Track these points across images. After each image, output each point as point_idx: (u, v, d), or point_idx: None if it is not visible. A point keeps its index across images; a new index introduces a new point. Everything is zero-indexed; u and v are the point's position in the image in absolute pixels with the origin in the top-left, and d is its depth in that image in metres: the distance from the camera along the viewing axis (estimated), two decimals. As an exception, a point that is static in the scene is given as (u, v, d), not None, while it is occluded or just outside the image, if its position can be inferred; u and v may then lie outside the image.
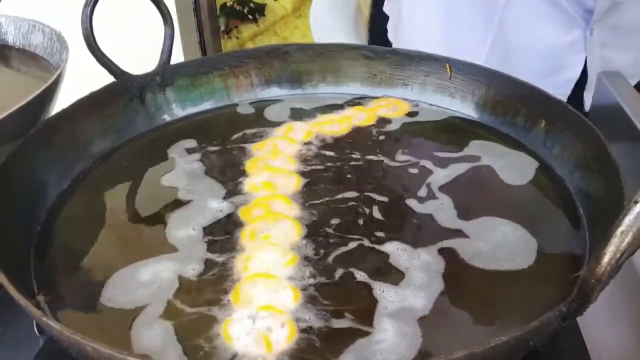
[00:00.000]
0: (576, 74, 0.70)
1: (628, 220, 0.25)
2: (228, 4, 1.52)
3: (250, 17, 1.53)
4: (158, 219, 0.44)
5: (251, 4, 1.51)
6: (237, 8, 1.53)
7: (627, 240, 0.25)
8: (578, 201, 0.44)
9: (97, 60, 0.53)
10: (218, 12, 1.52)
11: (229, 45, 1.54)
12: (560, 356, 0.38)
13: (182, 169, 0.50)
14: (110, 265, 0.40)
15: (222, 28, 1.54)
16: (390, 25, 0.85)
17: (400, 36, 0.82)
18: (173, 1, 1.32)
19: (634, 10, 0.67)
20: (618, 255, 0.25)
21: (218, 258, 0.40)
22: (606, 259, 0.25)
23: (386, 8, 0.86)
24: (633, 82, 0.62)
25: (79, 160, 0.50)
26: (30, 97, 0.46)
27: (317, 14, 1.54)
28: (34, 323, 0.44)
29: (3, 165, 0.42)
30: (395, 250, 0.40)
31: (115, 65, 0.54)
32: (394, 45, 0.82)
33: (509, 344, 0.27)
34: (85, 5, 0.51)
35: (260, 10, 1.53)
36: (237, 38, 1.56)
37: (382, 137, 0.54)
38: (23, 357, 0.42)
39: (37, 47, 0.61)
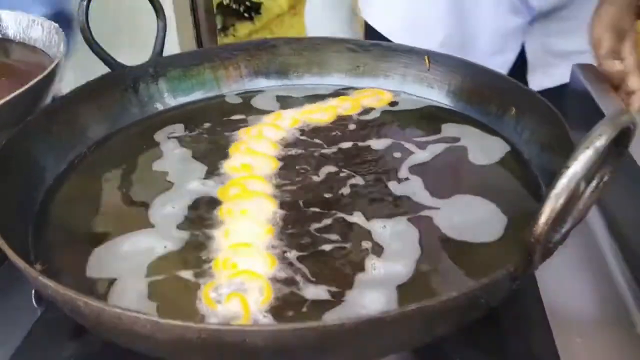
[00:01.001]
0: (512, 57, 0.78)
1: (561, 183, 0.27)
2: (225, 3, 1.55)
3: (246, 15, 1.56)
4: (145, 199, 0.47)
5: (247, 3, 1.55)
6: (234, 6, 1.56)
7: (560, 202, 0.27)
8: (542, 181, 0.47)
9: (93, 52, 0.56)
10: (215, 10, 1.55)
11: (225, 42, 1.57)
12: (520, 316, 0.41)
13: (171, 154, 0.53)
14: (98, 241, 0.43)
15: (219, 26, 1.57)
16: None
17: (367, 8, 0.90)
18: (171, 6, 1.35)
19: (576, 8, 0.74)
20: (553, 215, 0.28)
21: (198, 231, 0.43)
22: (542, 219, 0.28)
23: None
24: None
25: (75, 145, 0.53)
26: (28, 85, 0.49)
27: (313, 13, 1.57)
28: (32, 294, 0.47)
29: (3, 147, 0.45)
30: (370, 223, 0.43)
31: (110, 57, 0.57)
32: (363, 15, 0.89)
33: (458, 299, 0.30)
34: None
35: (257, 8, 1.57)
36: (234, 36, 1.59)
37: (364, 124, 0.57)
38: (20, 329, 0.45)
39: (37, 41, 0.64)
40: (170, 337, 0.30)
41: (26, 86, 0.49)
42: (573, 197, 0.33)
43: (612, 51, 0.60)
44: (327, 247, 0.41)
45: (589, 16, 0.65)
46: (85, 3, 0.54)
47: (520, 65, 0.79)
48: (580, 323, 0.43)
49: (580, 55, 0.65)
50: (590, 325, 0.43)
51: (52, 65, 0.52)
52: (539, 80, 0.78)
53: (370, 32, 0.88)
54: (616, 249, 0.50)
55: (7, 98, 0.47)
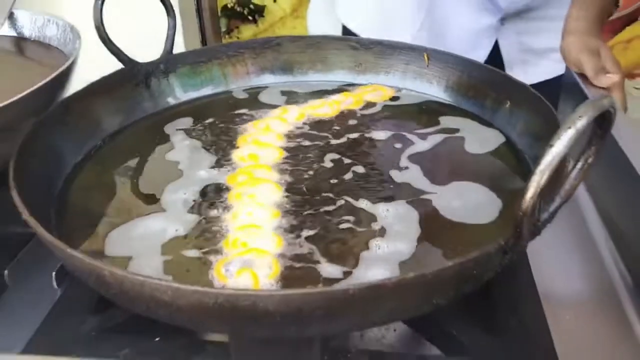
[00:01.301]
0: (483, 54, 0.82)
1: (545, 161, 0.30)
2: (229, 6, 1.58)
3: (250, 18, 1.60)
4: (157, 186, 0.50)
5: (251, 6, 1.58)
6: (238, 9, 1.59)
7: (544, 177, 0.30)
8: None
9: (108, 49, 0.58)
10: (219, 13, 1.59)
11: (229, 44, 1.61)
12: (512, 294, 0.44)
13: (181, 145, 0.56)
14: (114, 224, 0.46)
15: (223, 29, 1.60)
16: None
17: (339, 7, 0.93)
18: (177, 3, 1.38)
19: (547, 9, 0.78)
20: (538, 190, 0.30)
21: (208, 215, 0.46)
22: (529, 194, 0.31)
23: None
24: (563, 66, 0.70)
25: (91, 136, 0.55)
26: (47, 79, 0.52)
27: (314, 15, 1.60)
28: (53, 276, 0.50)
29: (26, 136, 0.48)
30: (373, 207, 0.46)
31: (124, 54, 0.60)
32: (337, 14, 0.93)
33: (452, 269, 0.33)
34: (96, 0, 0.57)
35: (260, 11, 1.60)
36: (238, 38, 1.62)
37: (367, 118, 0.60)
38: (41, 310, 0.48)
39: (52, 39, 0.67)
40: (189, 303, 0.32)
41: (47, 79, 0.52)
42: (560, 177, 0.36)
43: (599, 69, 0.63)
44: (331, 229, 0.44)
45: (561, 15, 0.68)
46: (100, 3, 0.57)
47: (498, 64, 0.82)
48: (569, 300, 0.46)
49: (557, 54, 0.68)
50: (579, 302, 0.46)
51: (70, 60, 0.55)
52: (517, 77, 0.81)
53: (344, 31, 0.91)
54: (604, 230, 0.52)
55: (30, 90, 0.49)
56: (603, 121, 0.33)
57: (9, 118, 0.49)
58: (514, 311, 0.44)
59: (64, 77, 0.54)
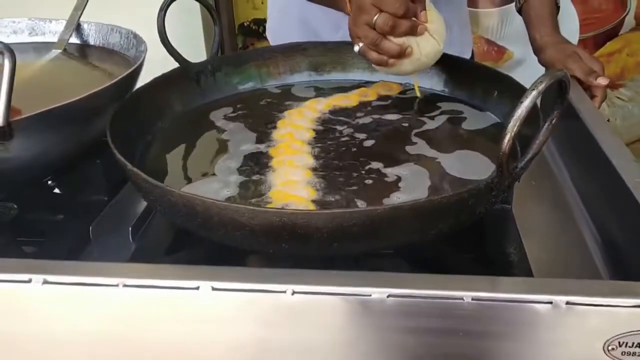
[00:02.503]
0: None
1: (517, 112, 0.42)
2: (245, 24, 1.73)
3: (265, 35, 1.73)
4: (215, 153, 0.62)
5: (265, 24, 1.72)
6: (253, 27, 1.74)
7: (517, 124, 0.42)
8: (517, 142, 0.62)
9: (167, 50, 0.71)
10: (236, 31, 1.73)
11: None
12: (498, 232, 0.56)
13: (230, 127, 0.68)
14: (182, 183, 0.58)
15: (240, 45, 1.75)
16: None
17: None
18: (200, 17, 1.53)
19: None
20: (513, 134, 0.43)
21: (257, 175, 0.58)
22: (506, 137, 0.43)
23: None
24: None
25: (157, 120, 0.68)
26: (124, 74, 0.64)
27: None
28: (130, 231, 0.62)
29: (113, 116, 0.60)
30: (390, 168, 0.58)
31: (180, 55, 0.73)
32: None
33: (453, 197, 0.45)
34: (160, 10, 0.70)
35: (274, 29, 1.75)
36: (253, 54, 1.78)
37: (381, 107, 0.72)
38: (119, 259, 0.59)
39: (115, 45, 0.80)
40: (260, 222, 0.44)
41: (124, 73, 0.64)
42: (533, 134, 0.48)
43: (588, 71, 0.75)
44: (356, 183, 0.56)
45: None
46: (163, 13, 0.70)
47: None
48: (547, 247, 0.58)
49: None
50: (554, 249, 0.58)
51: (141, 59, 0.68)
52: None
53: None
54: (577, 195, 0.65)
55: (113, 81, 0.62)
56: (561, 89, 0.46)
57: (96, 103, 0.62)
58: (499, 245, 0.56)
59: (135, 72, 0.67)
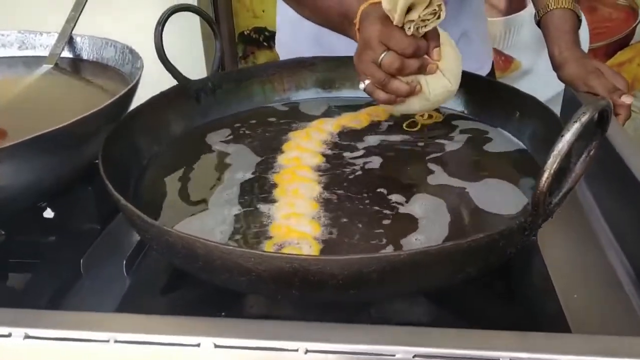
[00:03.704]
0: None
1: (557, 147, 0.38)
2: (245, 32, 1.69)
3: (265, 44, 1.70)
4: (213, 181, 0.58)
5: (266, 32, 1.68)
6: (254, 36, 1.69)
7: (557, 160, 0.38)
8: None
9: (165, 67, 0.67)
10: (237, 39, 1.68)
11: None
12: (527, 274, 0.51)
13: (232, 150, 0.64)
14: (179, 212, 0.53)
15: (240, 54, 1.70)
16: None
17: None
18: (199, 30, 1.48)
19: None
20: (552, 172, 0.38)
21: (259, 205, 0.54)
22: (545, 175, 0.38)
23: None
24: None
25: (152, 145, 0.63)
26: (123, 91, 0.59)
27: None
28: (124, 264, 0.57)
29: (108, 137, 0.55)
30: (406, 200, 0.53)
31: (179, 72, 0.68)
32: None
33: (483, 240, 0.40)
34: (157, 24, 0.66)
35: (274, 37, 1.69)
36: (253, 63, 1.72)
37: (394, 127, 0.68)
38: (112, 295, 0.55)
39: (109, 60, 0.75)
40: (268, 268, 0.39)
41: (119, 94, 0.59)
42: (568, 168, 0.44)
43: (611, 88, 0.70)
44: (368, 219, 0.51)
45: None
46: (160, 27, 0.66)
47: None
48: (577, 283, 0.53)
49: None
50: (585, 285, 0.53)
51: (137, 77, 0.63)
52: None
53: None
54: (605, 224, 0.60)
55: (105, 104, 0.57)
56: (602, 119, 0.41)
57: (88, 128, 0.57)
58: (530, 289, 0.51)
59: (131, 92, 0.62)
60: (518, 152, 0.62)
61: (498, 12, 1.66)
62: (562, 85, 0.82)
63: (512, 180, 0.56)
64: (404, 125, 0.67)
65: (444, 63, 0.59)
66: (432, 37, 0.57)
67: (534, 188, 0.54)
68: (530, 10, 1.63)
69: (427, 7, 0.53)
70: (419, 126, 0.67)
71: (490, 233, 0.40)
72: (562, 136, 0.38)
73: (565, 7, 0.76)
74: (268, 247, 0.48)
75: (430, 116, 0.68)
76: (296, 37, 0.89)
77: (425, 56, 0.57)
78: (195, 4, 1.52)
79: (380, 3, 0.54)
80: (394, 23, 0.54)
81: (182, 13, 0.68)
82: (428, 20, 0.54)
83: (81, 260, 0.57)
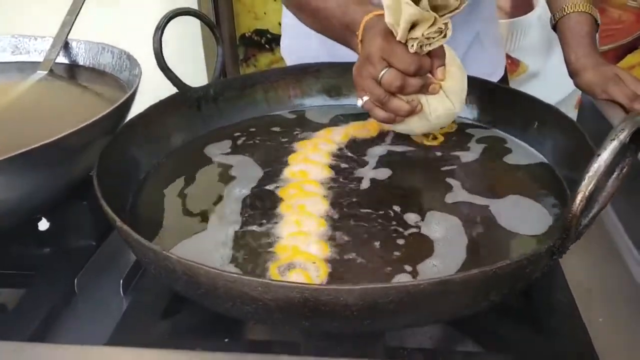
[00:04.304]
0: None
1: (593, 168, 0.34)
2: (247, 35, 1.65)
3: (267, 46, 1.66)
4: (215, 196, 0.55)
5: (268, 35, 1.65)
6: (255, 38, 1.66)
7: (593, 182, 0.35)
8: (567, 186, 0.54)
9: (165, 74, 0.63)
10: (238, 42, 1.65)
11: (247, 72, 1.66)
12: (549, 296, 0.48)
13: (235, 162, 0.60)
14: (178, 233, 0.50)
15: (241, 57, 1.67)
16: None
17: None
18: (200, 33, 1.45)
19: None
20: (587, 194, 0.35)
21: (263, 221, 0.50)
22: (579, 197, 0.35)
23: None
24: None
25: (151, 157, 0.60)
26: (120, 101, 0.56)
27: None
28: (120, 284, 0.54)
29: (101, 155, 0.52)
30: (420, 218, 0.50)
31: (179, 79, 0.65)
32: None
33: (509, 267, 0.37)
34: (156, 29, 0.62)
35: (276, 40, 1.66)
36: (255, 66, 1.69)
37: (403, 136, 0.64)
38: (109, 316, 0.51)
39: (106, 66, 0.72)
40: (275, 297, 0.36)
41: (115, 105, 0.56)
42: (598, 186, 0.41)
43: (632, 95, 0.67)
44: (380, 240, 0.48)
45: None
46: (159, 33, 0.62)
47: None
48: (601, 306, 0.50)
49: None
50: (609, 308, 0.50)
51: (135, 86, 0.60)
52: None
53: None
54: (629, 241, 0.57)
55: (106, 112, 0.54)
56: (637, 135, 0.38)
57: (84, 140, 0.54)
58: (553, 314, 0.48)
59: (129, 101, 0.59)
60: (538, 166, 0.59)
61: (504, 14, 1.62)
62: (570, 89, 0.79)
63: (532, 196, 0.53)
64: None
65: (448, 83, 0.55)
66: (437, 55, 0.53)
67: (557, 205, 0.52)
68: (537, 12, 1.60)
69: (432, 25, 0.49)
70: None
71: (518, 259, 0.37)
72: (598, 155, 0.35)
73: (583, 10, 0.73)
74: (273, 270, 0.45)
75: (435, 137, 0.64)
76: (302, 42, 0.85)
77: (429, 75, 0.54)
78: (196, 5, 1.49)
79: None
80: (397, 38, 0.50)
81: (182, 17, 0.65)
82: (433, 38, 0.50)
83: (75, 280, 0.54)
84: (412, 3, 0.47)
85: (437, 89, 0.55)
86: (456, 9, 0.49)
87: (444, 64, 0.54)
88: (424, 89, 0.54)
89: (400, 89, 0.52)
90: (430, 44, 0.50)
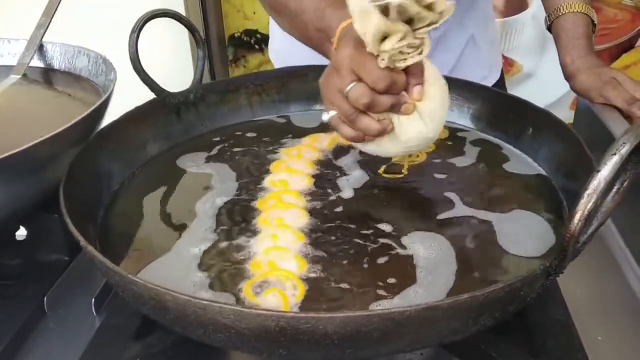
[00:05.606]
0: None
1: (592, 185, 0.32)
2: (236, 35, 1.62)
3: (256, 47, 1.63)
4: (191, 206, 0.52)
5: (257, 35, 1.62)
6: (245, 39, 1.63)
7: (592, 200, 0.32)
8: (563, 198, 0.51)
9: (141, 79, 0.60)
10: (227, 42, 1.62)
11: (236, 73, 1.63)
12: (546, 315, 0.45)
13: (214, 170, 0.57)
14: (148, 251, 0.47)
15: (230, 57, 1.64)
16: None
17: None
18: (186, 33, 1.41)
19: None
20: (586, 213, 0.32)
21: (238, 236, 0.48)
22: (577, 216, 0.32)
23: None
24: None
25: (127, 164, 0.57)
26: (87, 111, 0.53)
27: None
28: (92, 303, 0.51)
29: (70, 167, 0.49)
30: (405, 237, 0.47)
31: (156, 84, 0.62)
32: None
33: (503, 290, 0.34)
34: (132, 32, 0.59)
35: (266, 40, 1.63)
36: (244, 67, 1.66)
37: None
38: (80, 336, 0.48)
39: (82, 70, 0.69)
40: (250, 326, 0.33)
41: (87, 111, 0.53)
42: (597, 201, 0.38)
43: (630, 99, 0.64)
44: (357, 256, 0.45)
45: None
46: (135, 35, 0.59)
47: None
48: (600, 324, 0.47)
49: None
50: (609, 326, 0.47)
51: (108, 92, 0.57)
52: None
53: None
54: (631, 258, 0.54)
55: (72, 122, 0.51)
56: (639, 148, 0.35)
57: (55, 149, 0.50)
58: (550, 334, 0.45)
59: (102, 108, 0.56)
60: (533, 177, 0.56)
61: (497, 13, 1.60)
62: (565, 89, 0.76)
63: (528, 208, 0.50)
64: (381, 171, 0.57)
65: (424, 104, 0.48)
66: (414, 72, 0.47)
67: (551, 220, 0.49)
68: (531, 11, 1.58)
69: (402, 39, 0.43)
70: (404, 169, 0.56)
71: (512, 282, 0.34)
72: (597, 172, 0.32)
73: (579, 11, 0.71)
74: (247, 289, 0.42)
75: (417, 155, 0.58)
76: (290, 45, 0.82)
77: (404, 93, 0.47)
78: (183, 4, 1.45)
79: None
80: (367, 49, 0.44)
81: (168, 19, 0.62)
82: (407, 53, 0.44)
83: (45, 298, 0.51)
84: (378, 12, 0.41)
85: (411, 110, 0.47)
86: (434, 23, 0.43)
87: (421, 83, 0.48)
88: (395, 108, 0.47)
89: (368, 107, 0.46)
90: (404, 60, 0.44)
